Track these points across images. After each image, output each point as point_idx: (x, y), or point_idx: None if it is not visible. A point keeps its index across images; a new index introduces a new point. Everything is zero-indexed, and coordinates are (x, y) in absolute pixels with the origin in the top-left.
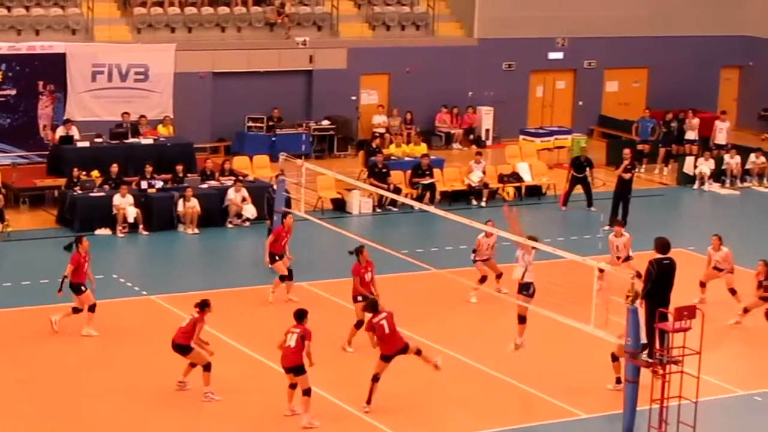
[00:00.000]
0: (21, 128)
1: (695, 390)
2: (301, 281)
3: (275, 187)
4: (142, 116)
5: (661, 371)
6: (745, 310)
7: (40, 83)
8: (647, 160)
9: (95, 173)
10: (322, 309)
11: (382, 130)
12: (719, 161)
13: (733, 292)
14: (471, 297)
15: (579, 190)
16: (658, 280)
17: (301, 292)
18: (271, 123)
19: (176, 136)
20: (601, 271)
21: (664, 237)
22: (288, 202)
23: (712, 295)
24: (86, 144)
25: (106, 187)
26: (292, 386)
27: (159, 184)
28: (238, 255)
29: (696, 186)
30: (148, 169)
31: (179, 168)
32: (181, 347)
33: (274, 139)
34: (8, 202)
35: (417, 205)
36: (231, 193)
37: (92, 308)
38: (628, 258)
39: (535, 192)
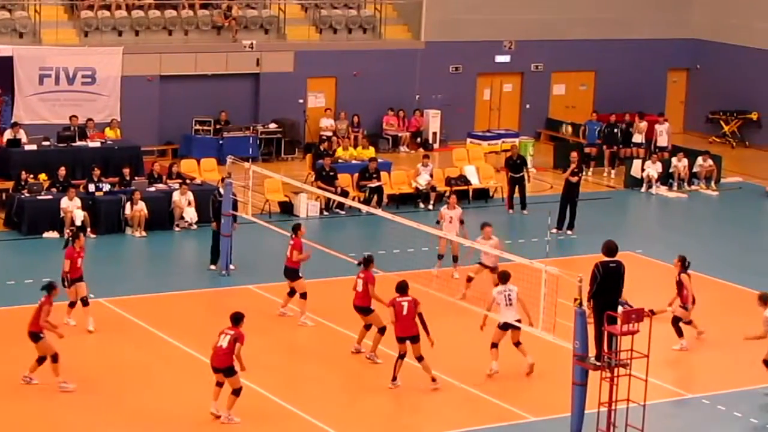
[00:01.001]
0: None
1: (643, 393)
2: (247, 284)
3: (221, 190)
4: (90, 119)
5: (608, 374)
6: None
7: None
8: (594, 163)
9: (43, 176)
10: (267, 312)
11: (330, 134)
12: (667, 164)
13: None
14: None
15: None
16: (604, 283)
17: (248, 294)
18: (218, 126)
19: (124, 139)
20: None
21: (612, 240)
22: (235, 205)
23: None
24: (34, 147)
25: (54, 190)
26: (219, 384)
27: (106, 187)
28: (185, 258)
29: (643, 189)
30: (96, 172)
31: (126, 171)
32: (32, 334)
33: (221, 142)
34: None
35: (364, 208)
36: (176, 196)
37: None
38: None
39: (482, 195)
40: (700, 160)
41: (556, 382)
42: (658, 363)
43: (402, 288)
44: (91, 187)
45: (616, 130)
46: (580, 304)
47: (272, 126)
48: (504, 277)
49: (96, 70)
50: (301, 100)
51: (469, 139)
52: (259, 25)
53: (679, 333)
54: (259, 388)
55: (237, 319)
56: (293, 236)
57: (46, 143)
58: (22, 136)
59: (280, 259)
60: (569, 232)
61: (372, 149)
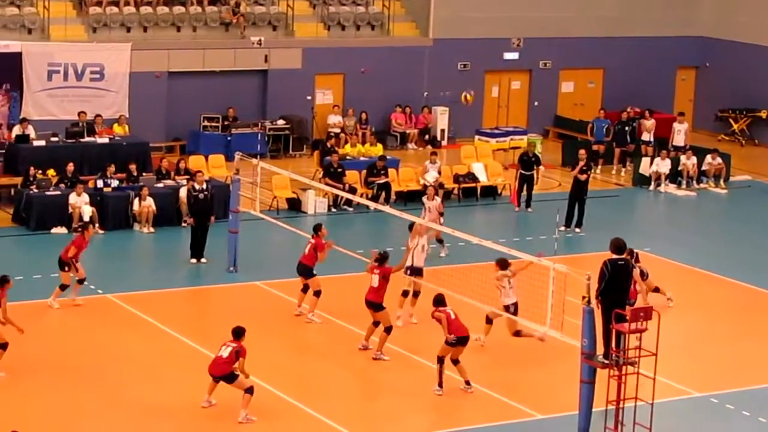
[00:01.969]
0: None
1: (651, 391)
2: (254, 280)
3: (196, 185)
4: (98, 115)
5: (616, 372)
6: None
7: None
8: (603, 161)
9: (51, 172)
10: (275, 309)
11: (337, 130)
12: (675, 162)
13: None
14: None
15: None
16: (613, 281)
17: (255, 291)
18: (226, 122)
19: (132, 136)
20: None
21: (620, 238)
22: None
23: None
24: (42, 143)
25: (62, 185)
26: (216, 380)
27: (114, 183)
28: None
29: (652, 187)
30: (111, 168)
31: (134, 167)
32: None
33: (229, 138)
34: None
35: (372, 204)
36: (183, 192)
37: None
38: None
39: (490, 192)
40: (708, 158)
41: (563, 380)
42: (667, 361)
43: (439, 301)
44: (99, 183)
45: (627, 128)
46: (588, 301)
47: (280, 122)
48: (503, 264)
49: (104, 66)
50: (309, 97)
51: (477, 137)
52: (267, 21)
53: None
54: (268, 385)
55: (238, 333)
56: (314, 236)
57: (55, 139)
58: (30, 131)
59: (287, 256)
60: (577, 229)
61: (380, 146)
